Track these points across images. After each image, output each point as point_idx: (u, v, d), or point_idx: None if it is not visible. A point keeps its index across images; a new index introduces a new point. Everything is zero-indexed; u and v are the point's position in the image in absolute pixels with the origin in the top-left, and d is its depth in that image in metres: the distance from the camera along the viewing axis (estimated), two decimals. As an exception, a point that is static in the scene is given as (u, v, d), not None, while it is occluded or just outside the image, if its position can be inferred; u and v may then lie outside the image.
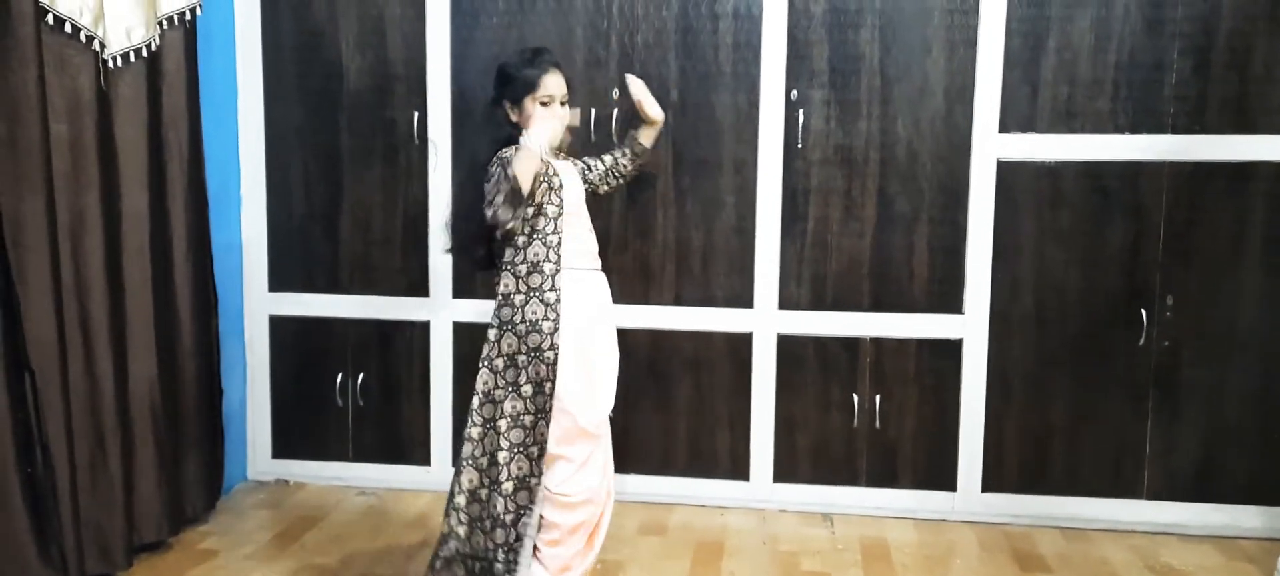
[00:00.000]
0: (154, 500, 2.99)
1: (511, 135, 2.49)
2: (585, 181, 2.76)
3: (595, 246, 2.58)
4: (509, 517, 2.38)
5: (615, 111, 3.31)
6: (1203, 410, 3.24)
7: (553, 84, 2.49)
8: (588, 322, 2.46)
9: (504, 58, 2.59)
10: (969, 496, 3.37)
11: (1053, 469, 3.34)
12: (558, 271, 2.39)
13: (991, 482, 3.36)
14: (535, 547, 2.44)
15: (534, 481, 2.39)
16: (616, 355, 2.59)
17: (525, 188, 2.32)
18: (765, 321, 3.39)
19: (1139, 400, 3.26)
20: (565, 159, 2.66)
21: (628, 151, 2.92)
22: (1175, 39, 3.13)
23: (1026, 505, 3.34)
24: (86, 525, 2.76)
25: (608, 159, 2.91)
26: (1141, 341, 3.23)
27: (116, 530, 2.84)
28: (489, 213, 2.31)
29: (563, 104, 2.52)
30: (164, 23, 2.98)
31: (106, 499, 2.82)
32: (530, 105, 2.46)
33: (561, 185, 2.46)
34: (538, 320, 2.37)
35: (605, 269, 2.60)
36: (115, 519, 2.84)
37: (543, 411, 2.37)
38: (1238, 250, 3.17)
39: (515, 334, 2.38)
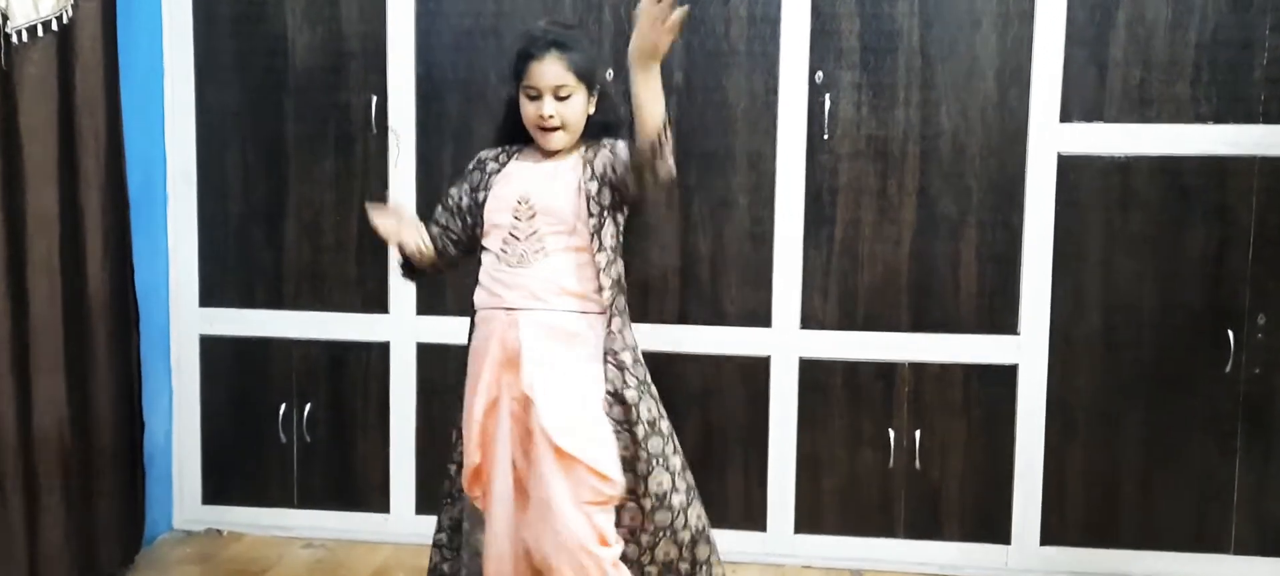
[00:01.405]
0: (61, 554, 2.96)
1: (503, 126, 2.49)
2: (605, 181, 2.36)
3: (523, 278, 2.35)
4: None
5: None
6: (1301, 449, 3.23)
7: (539, 73, 2.29)
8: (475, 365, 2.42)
9: None
10: (1025, 550, 3.35)
11: (1124, 518, 3.32)
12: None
13: (1052, 534, 3.34)
14: None
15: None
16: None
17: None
18: (785, 343, 3.37)
19: (1226, 437, 3.25)
20: (569, 153, 2.41)
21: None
22: (1266, 14, 3.13)
23: (1093, 561, 3.33)
24: (-20, 583, 2.73)
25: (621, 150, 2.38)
26: (1228, 368, 3.22)
27: (16, 589, 2.81)
28: None
29: (563, 98, 2.31)
30: (78, -10, 2.97)
31: (5, 552, 2.78)
32: (521, 97, 2.36)
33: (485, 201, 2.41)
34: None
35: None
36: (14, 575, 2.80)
37: None
38: (1341, 260, 3.18)
39: None
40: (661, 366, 3.36)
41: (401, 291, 3.48)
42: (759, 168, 3.33)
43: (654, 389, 2.41)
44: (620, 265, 2.39)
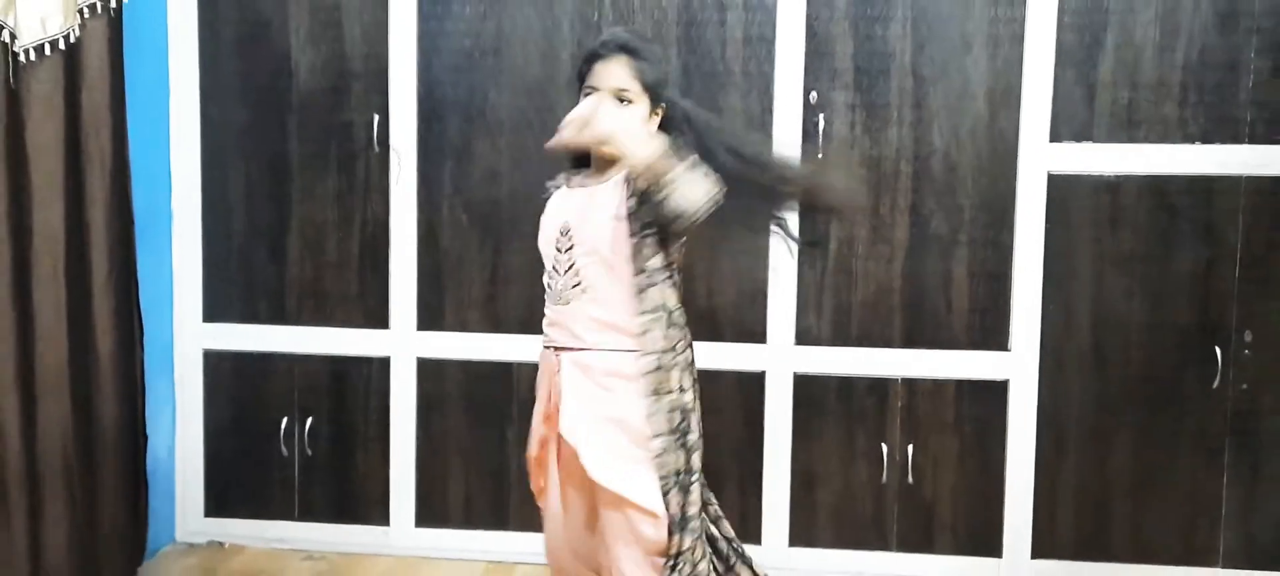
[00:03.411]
0: (64, 565, 2.93)
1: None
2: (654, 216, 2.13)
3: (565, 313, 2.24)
4: None
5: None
6: (1287, 464, 3.23)
7: (604, 72, 2.17)
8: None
9: None
10: (1017, 564, 3.34)
11: (1114, 533, 3.31)
12: None
13: (1043, 548, 3.33)
14: None
15: None
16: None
17: None
18: (780, 359, 3.36)
19: (1214, 453, 3.24)
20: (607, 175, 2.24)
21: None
22: (1252, 35, 3.14)
23: (1083, 574, 3.31)
24: (-17, 595, 2.71)
25: None
26: (1216, 384, 3.22)
27: (19, 601, 2.79)
28: None
29: (626, 100, 2.17)
30: (85, 10, 2.96)
31: (7, 563, 2.77)
32: (581, 98, 2.21)
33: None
34: None
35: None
36: (18, 588, 2.79)
37: None
38: (1326, 279, 3.17)
39: None
40: (658, 381, 3.37)
41: (402, 307, 3.47)
42: (754, 186, 3.32)
43: (693, 417, 2.24)
44: (667, 289, 2.19)
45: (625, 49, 2.19)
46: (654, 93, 2.20)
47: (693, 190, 1.98)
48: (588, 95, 2.19)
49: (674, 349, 2.20)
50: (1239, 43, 3.15)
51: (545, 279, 2.27)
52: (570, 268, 2.20)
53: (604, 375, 2.19)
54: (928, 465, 3.36)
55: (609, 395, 2.18)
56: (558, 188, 2.34)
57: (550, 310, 2.26)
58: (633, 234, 2.15)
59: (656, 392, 2.18)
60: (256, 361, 3.57)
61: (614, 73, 2.17)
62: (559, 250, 2.23)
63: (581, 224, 2.20)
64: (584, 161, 2.33)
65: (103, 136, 3.05)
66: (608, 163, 2.21)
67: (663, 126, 2.25)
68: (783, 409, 3.38)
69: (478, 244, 3.43)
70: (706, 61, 3.30)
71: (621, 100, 2.17)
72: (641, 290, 2.16)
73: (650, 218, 2.11)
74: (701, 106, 3.26)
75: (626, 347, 2.18)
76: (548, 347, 2.28)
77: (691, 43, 3.30)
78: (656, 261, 2.17)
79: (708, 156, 2.12)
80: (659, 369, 2.18)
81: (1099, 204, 3.23)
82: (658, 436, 2.17)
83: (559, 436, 2.24)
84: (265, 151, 3.51)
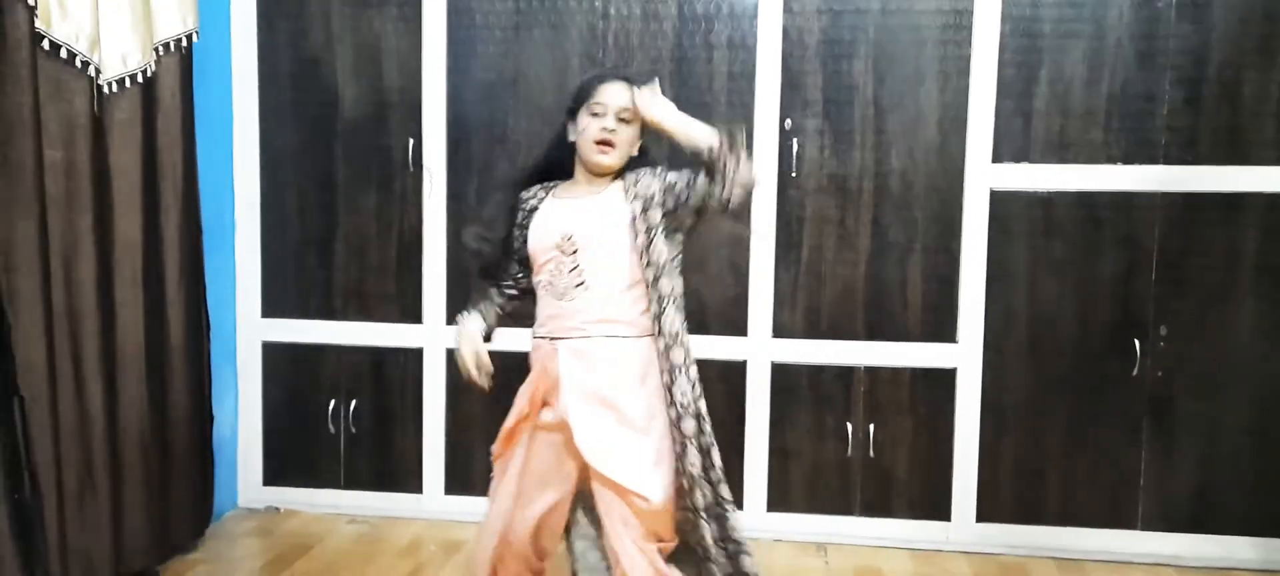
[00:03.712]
0: (142, 528, 2.96)
1: (542, 160, 2.32)
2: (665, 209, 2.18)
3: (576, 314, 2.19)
4: None
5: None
6: (1197, 440, 3.22)
7: (609, 94, 2.16)
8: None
9: None
10: (964, 526, 3.34)
11: (1047, 499, 3.32)
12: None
13: (986, 512, 3.33)
14: None
15: None
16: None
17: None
18: (759, 349, 3.37)
19: (1133, 430, 3.25)
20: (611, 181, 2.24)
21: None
22: (1167, 70, 3.14)
23: (1021, 536, 3.32)
24: (73, 553, 2.72)
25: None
26: (1135, 371, 3.22)
27: (103, 558, 2.80)
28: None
29: (624, 121, 2.17)
30: (160, 49, 2.97)
31: (94, 526, 2.79)
32: (583, 117, 2.19)
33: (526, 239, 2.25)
34: None
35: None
36: (102, 547, 2.80)
37: None
38: (1230, 280, 3.17)
39: None
40: (654, 369, 3.38)
41: (433, 305, 3.48)
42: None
43: (701, 405, 2.20)
44: (671, 284, 2.17)
45: (626, 78, 2.20)
46: (643, 118, 2.18)
47: (751, 169, 2.08)
48: (594, 114, 2.17)
49: (677, 342, 2.17)
50: (1156, 76, 3.14)
51: (546, 279, 2.20)
52: (574, 268, 2.16)
53: (601, 361, 2.15)
54: (887, 441, 3.36)
55: (605, 380, 2.14)
56: (539, 198, 2.27)
57: (550, 307, 2.20)
58: (639, 231, 2.15)
59: (675, 370, 2.15)
60: (308, 351, 3.58)
61: (620, 95, 2.17)
62: (562, 253, 2.17)
63: (586, 227, 2.17)
64: (557, 174, 2.29)
65: (175, 158, 3.07)
66: (597, 175, 2.21)
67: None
68: (761, 393, 3.38)
69: (499, 250, 3.43)
70: (696, 93, 3.31)
71: (622, 120, 2.17)
72: (655, 280, 2.14)
73: (699, 201, 2.12)
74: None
75: (623, 335, 2.16)
76: (540, 338, 2.23)
77: (683, 77, 3.31)
78: (665, 254, 2.16)
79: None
80: (678, 346, 2.16)
81: (1035, 216, 3.24)
82: (678, 414, 2.13)
83: (540, 422, 2.21)
84: (315, 171, 3.52)
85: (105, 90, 2.78)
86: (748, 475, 3.41)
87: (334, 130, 3.49)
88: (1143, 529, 3.27)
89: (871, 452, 3.36)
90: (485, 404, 3.49)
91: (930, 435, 3.35)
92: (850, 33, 3.24)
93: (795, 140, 3.29)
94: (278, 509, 3.65)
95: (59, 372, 2.66)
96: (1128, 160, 3.18)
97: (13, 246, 2.52)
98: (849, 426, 3.36)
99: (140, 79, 2.88)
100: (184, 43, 3.05)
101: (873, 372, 3.34)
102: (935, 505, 3.36)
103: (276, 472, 3.66)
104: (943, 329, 3.31)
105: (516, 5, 3.36)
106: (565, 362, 2.16)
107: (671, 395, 2.15)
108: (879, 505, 3.39)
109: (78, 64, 2.67)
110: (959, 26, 3.20)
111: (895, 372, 3.34)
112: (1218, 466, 3.22)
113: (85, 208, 2.72)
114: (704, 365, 3.31)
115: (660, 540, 2.16)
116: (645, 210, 2.15)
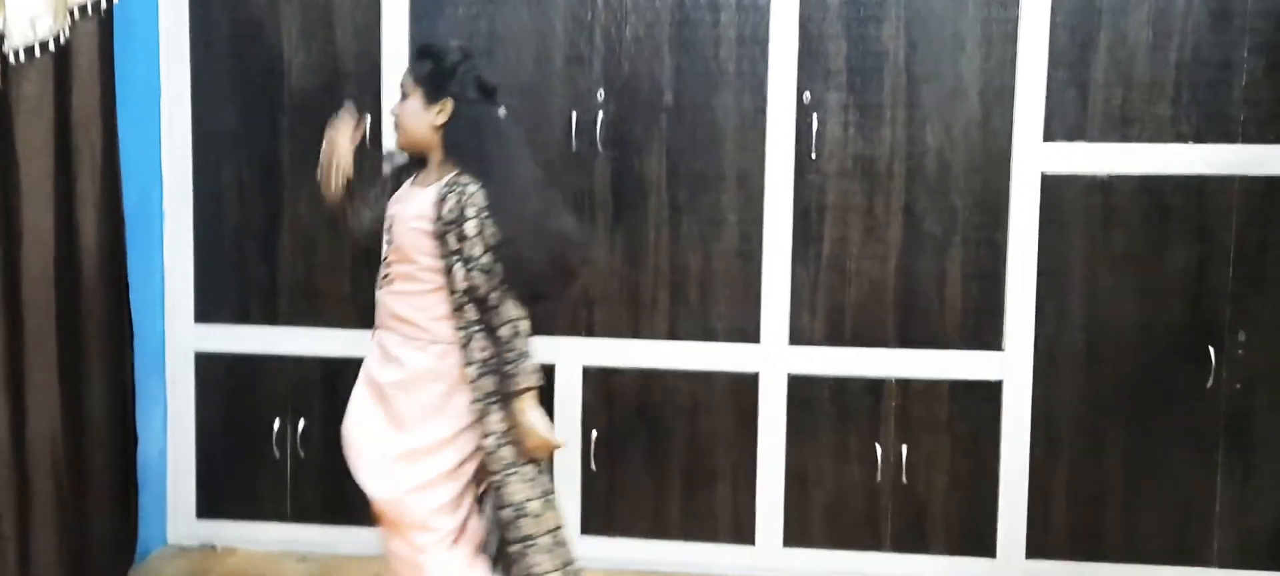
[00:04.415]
0: (53, 568, 2.91)
1: None
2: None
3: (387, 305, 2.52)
4: None
5: (600, 116, 3.28)
6: (1281, 463, 3.22)
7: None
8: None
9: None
10: (1011, 564, 3.33)
11: (1108, 532, 3.30)
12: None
13: (1037, 548, 3.32)
14: None
15: None
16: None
17: None
18: (774, 359, 3.35)
19: (1207, 452, 3.24)
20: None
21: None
22: (1245, 34, 3.13)
23: (1077, 574, 3.31)
24: (-29, 598, 2.69)
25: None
26: (1209, 383, 3.21)
27: (8, 604, 2.77)
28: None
29: (403, 94, 2.50)
30: (75, 12, 2.94)
31: (-4, 567, 2.75)
32: None
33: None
34: None
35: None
36: (7, 591, 2.77)
37: None
38: (1319, 278, 3.17)
39: None
40: (651, 382, 3.37)
41: (395, 308, 3.45)
42: (748, 187, 3.31)
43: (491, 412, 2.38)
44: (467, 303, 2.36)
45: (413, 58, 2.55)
46: (427, 86, 2.42)
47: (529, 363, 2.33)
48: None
49: (471, 358, 2.37)
50: (1232, 41, 3.13)
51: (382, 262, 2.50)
52: (385, 260, 2.47)
53: (393, 360, 2.45)
54: (921, 465, 3.35)
55: (388, 371, 2.45)
56: (408, 171, 2.57)
57: (378, 291, 2.52)
58: (441, 255, 2.35)
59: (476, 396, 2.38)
60: (248, 362, 3.55)
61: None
62: (387, 241, 2.47)
63: (399, 223, 2.43)
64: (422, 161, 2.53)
65: (93, 137, 3.04)
66: (433, 168, 2.46)
67: (454, 123, 2.43)
68: (777, 409, 3.36)
69: (470, 244, 3.41)
70: (700, 62, 3.28)
71: (403, 94, 2.47)
72: (459, 307, 2.35)
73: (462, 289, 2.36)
74: (694, 108, 3.26)
75: (414, 337, 2.42)
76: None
77: (684, 43, 3.28)
78: (464, 286, 2.34)
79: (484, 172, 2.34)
80: (484, 376, 2.36)
81: (1092, 203, 3.22)
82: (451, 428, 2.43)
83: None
84: (257, 152, 3.49)
85: (10, 60, 2.73)
86: (760, 505, 3.39)
87: (279, 104, 3.46)
88: (1218, 565, 3.26)
89: (904, 478, 3.34)
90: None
91: (972, 458, 3.33)
92: (878, -9, 3.24)
93: (815, 116, 3.27)
94: (214, 546, 3.61)
95: (-45, 388, 2.62)
96: (1199, 138, 3.17)
97: (-100, 240, 2.48)
98: (877, 448, 3.34)
99: (52, 47, 2.83)
100: (103, 5, 3.01)
101: (905, 385, 3.33)
102: (978, 540, 3.35)
103: (212, 504, 3.63)
104: (986, 334, 3.29)
105: (491, -40, 3.34)
106: (373, 355, 2.52)
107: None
108: (912, 540, 3.37)
109: (-23, 29, 2.64)
110: (1004, -16, 3.20)
111: (931, 386, 3.32)
112: (1305, 493, 3.22)
113: (-14, 195, 2.68)
114: (710, 378, 3.34)
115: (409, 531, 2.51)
116: (445, 232, 2.34)
